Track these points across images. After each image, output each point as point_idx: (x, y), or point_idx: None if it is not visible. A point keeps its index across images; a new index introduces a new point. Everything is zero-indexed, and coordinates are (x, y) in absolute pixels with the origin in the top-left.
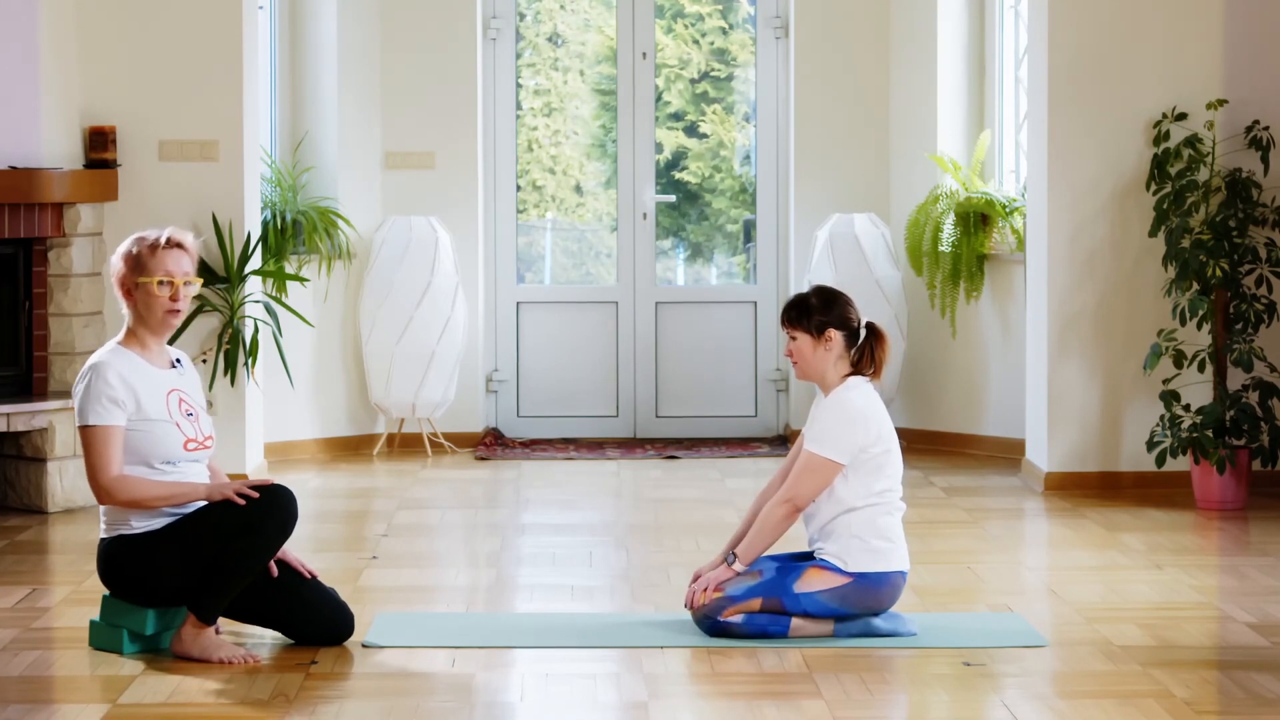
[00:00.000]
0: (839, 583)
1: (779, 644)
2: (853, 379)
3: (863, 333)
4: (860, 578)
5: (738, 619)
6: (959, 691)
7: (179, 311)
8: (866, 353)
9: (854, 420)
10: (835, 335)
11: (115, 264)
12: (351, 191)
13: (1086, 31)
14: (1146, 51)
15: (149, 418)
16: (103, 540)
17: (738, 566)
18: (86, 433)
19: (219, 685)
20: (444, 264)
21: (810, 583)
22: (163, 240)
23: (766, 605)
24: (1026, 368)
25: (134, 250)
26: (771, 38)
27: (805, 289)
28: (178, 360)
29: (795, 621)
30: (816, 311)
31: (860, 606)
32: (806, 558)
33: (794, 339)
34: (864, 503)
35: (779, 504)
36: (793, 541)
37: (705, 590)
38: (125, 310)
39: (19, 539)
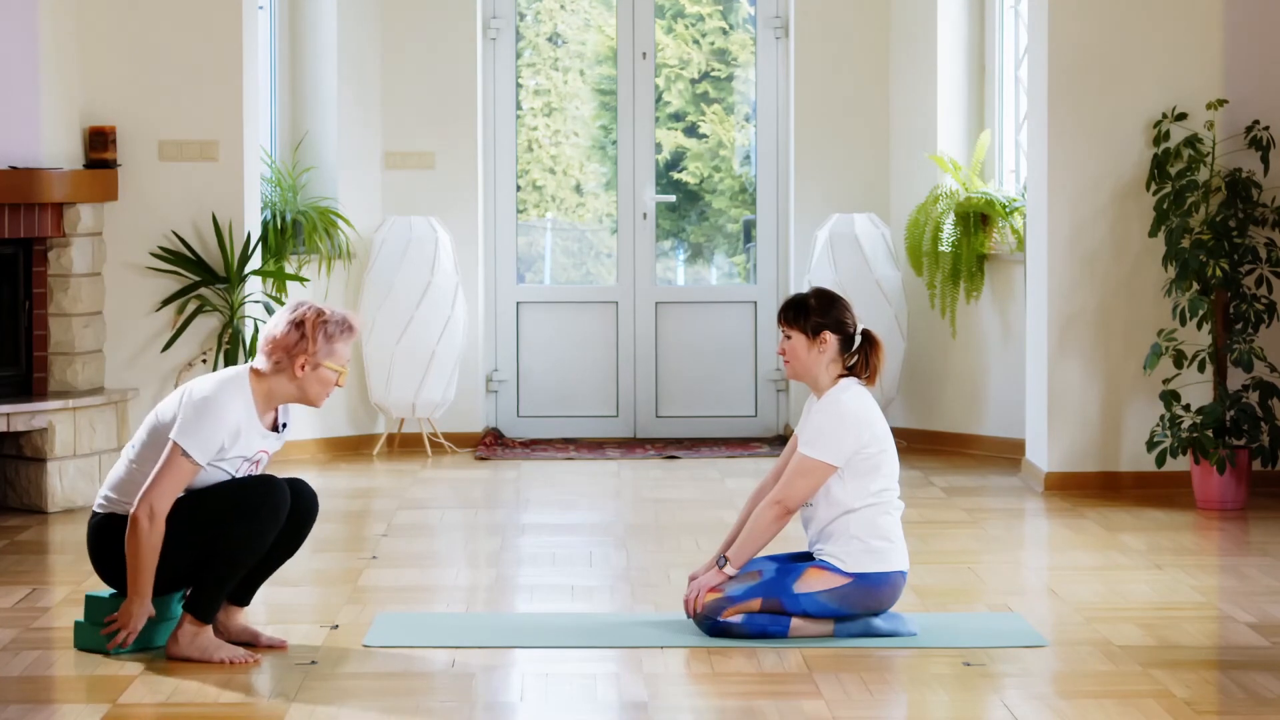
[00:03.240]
0: (839, 583)
1: (779, 644)
2: (845, 380)
3: (858, 339)
4: (860, 578)
5: (737, 619)
6: (959, 691)
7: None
8: (861, 359)
9: (847, 423)
10: (830, 338)
11: (289, 331)
12: (351, 191)
13: (1086, 31)
14: (1146, 51)
15: (219, 461)
16: (94, 515)
17: (729, 570)
18: (175, 451)
19: (219, 685)
20: (444, 264)
21: (810, 583)
22: (354, 327)
23: (766, 605)
24: (1026, 368)
25: (328, 330)
26: (771, 38)
27: (805, 289)
28: (284, 425)
29: (795, 622)
30: (814, 313)
31: (860, 607)
32: (806, 558)
33: (789, 337)
34: (862, 503)
35: (770, 505)
36: (792, 541)
37: (698, 595)
38: (268, 365)
39: (19, 539)
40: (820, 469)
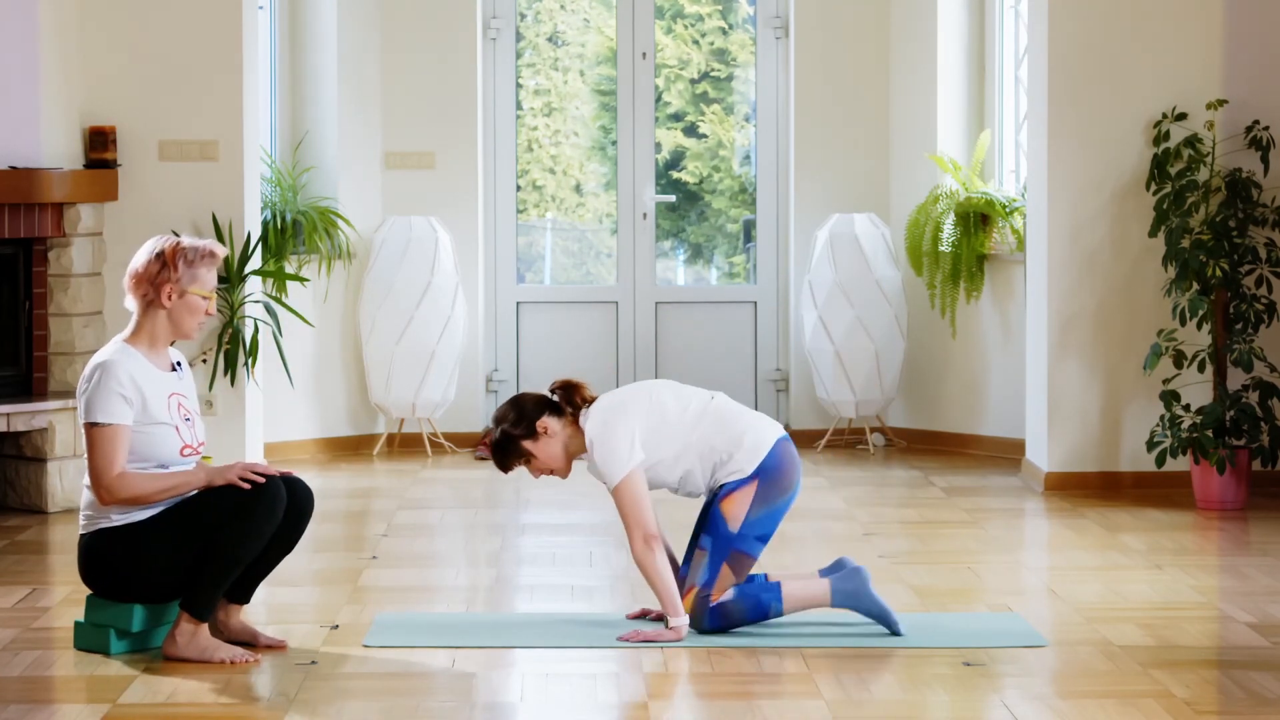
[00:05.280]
0: (751, 490)
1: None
2: (582, 421)
3: (556, 396)
4: (760, 471)
5: (728, 596)
6: (959, 691)
7: (205, 324)
8: (575, 404)
9: (613, 436)
10: (546, 422)
11: (148, 263)
12: (351, 191)
13: (1086, 31)
14: (1146, 51)
15: (153, 419)
16: (82, 536)
17: (677, 621)
18: (94, 430)
19: (219, 685)
20: (444, 264)
21: (734, 514)
22: (215, 252)
23: (732, 564)
24: (1026, 368)
25: (188, 256)
26: (771, 38)
27: (489, 428)
28: (178, 364)
29: (787, 588)
30: (517, 426)
31: (780, 491)
32: (711, 496)
33: (528, 462)
34: (693, 429)
35: (639, 548)
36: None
37: (633, 641)
38: (135, 307)
39: (19, 539)
40: (631, 480)
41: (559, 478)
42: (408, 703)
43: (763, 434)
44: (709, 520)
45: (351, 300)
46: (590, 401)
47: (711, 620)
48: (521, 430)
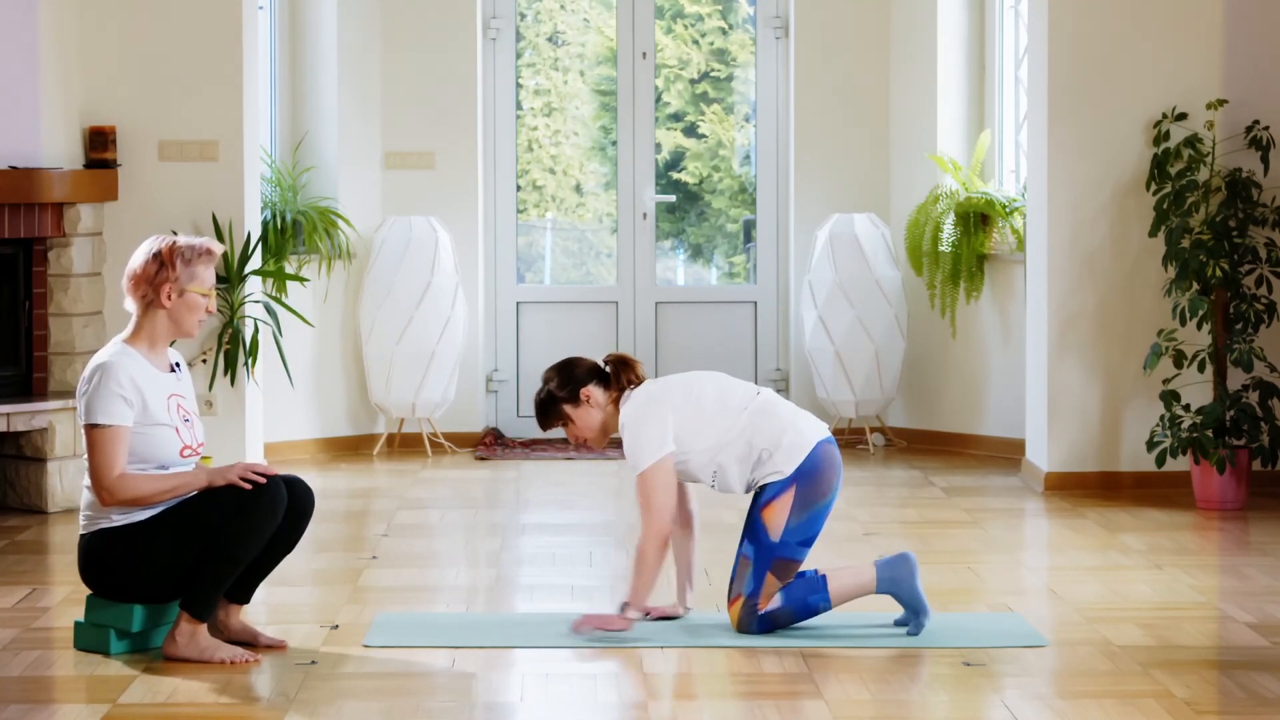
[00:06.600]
0: (789, 495)
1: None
2: (622, 403)
3: (608, 368)
4: (799, 473)
5: (775, 604)
6: (959, 691)
7: (205, 321)
8: (624, 378)
9: (645, 419)
10: (591, 391)
11: (146, 264)
12: (351, 191)
13: (1086, 31)
14: (1146, 51)
15: (153, 421)
16: (82, 537)
17: (632, 613)
18: (94, 432)
19: (219, 685)
20: (444, 264)
21: (774, 523)
22: (213, 250)
23: (776, 572)
24: (1026, 368)
25: (185, 255)
26: (771, 38)
27: (538, 385)
28: (176, 364)
29: (833, 585)
30: (560, 390)
31: (819, 496)
32: (753, 503)
33: (566, 425)
34: (737, 424)
35: (648, 540)
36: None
37: (583, 624)
38: (135, 308)
39: (19, 539)
40: (657, 469)
41: (593, 448)
42: (408, 703)
43: (804, 435)
44: (751, 528)
45: (351, 300)
46: (638, 383)
47: (760, 626)
48: (565, 394)
